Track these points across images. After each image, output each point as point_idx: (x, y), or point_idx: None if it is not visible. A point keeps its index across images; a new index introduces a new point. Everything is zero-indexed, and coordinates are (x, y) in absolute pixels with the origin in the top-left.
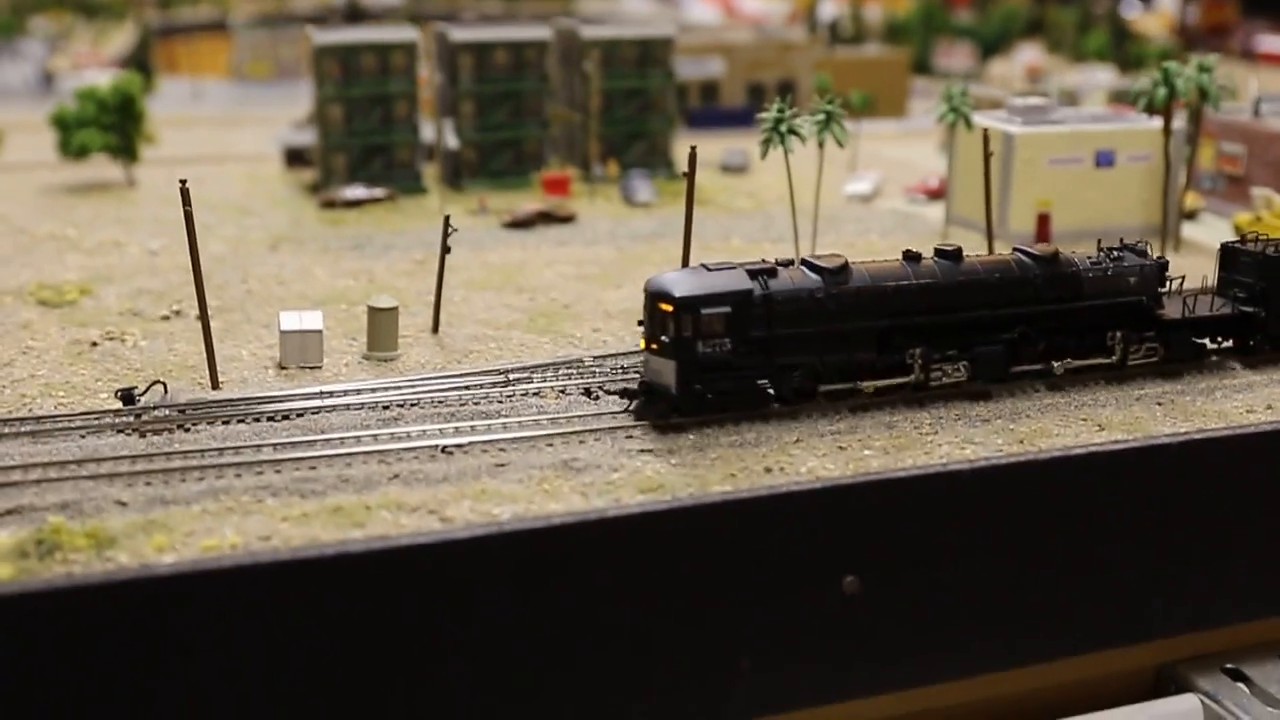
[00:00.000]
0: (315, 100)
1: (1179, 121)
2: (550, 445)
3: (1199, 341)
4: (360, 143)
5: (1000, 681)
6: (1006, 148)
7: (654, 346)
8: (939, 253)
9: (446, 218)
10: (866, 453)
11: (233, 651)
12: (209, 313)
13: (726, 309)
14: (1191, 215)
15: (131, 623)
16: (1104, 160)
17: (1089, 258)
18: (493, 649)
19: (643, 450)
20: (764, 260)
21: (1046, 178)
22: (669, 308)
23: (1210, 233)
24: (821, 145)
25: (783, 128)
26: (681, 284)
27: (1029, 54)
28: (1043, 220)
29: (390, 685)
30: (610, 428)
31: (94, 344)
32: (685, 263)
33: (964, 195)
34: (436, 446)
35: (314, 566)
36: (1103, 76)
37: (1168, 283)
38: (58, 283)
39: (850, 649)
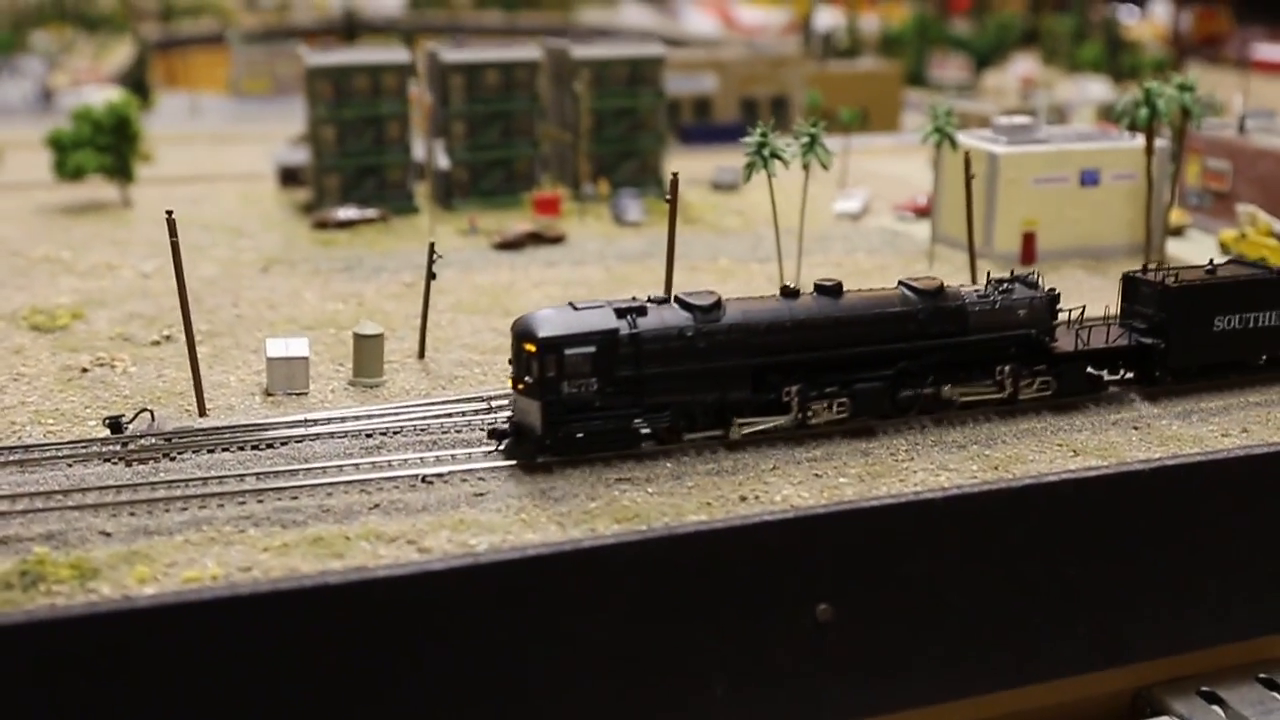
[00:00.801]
0: (308, 121)
1: (1163, 140)
2: (529, 474)
3: (1095, 374)
4: (353, 163)
5: (977, 706)
6: (991, 168)
7: (520, 387)
8: (818, 288)
9: (431, 245)
10: (842, 480)
11: (212, 683)
12: (198, 338)
13: (591, 349)
14: (1178, 232)
15: (113, 655)
16: (1089, 179)
17: (976, 290)
18: (470, 678)
19: (620, 479)
20: (634, 298)
21: (1031, 197)
22: (533, 348)
23: (1197, 249)
24: (806, 167)
25: (766, 151)
26: (546, 324)
27: (1024, 65)
28: (1028, 240)
29: (368, 716)
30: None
31: (84, 370)
32: (668, 288)
33: (950, 214)
34: (417, 476)
35: (293, 599)
36: (1095, 89)
37: (1059, 315)
38: (50, 307)
39: (824, 675)
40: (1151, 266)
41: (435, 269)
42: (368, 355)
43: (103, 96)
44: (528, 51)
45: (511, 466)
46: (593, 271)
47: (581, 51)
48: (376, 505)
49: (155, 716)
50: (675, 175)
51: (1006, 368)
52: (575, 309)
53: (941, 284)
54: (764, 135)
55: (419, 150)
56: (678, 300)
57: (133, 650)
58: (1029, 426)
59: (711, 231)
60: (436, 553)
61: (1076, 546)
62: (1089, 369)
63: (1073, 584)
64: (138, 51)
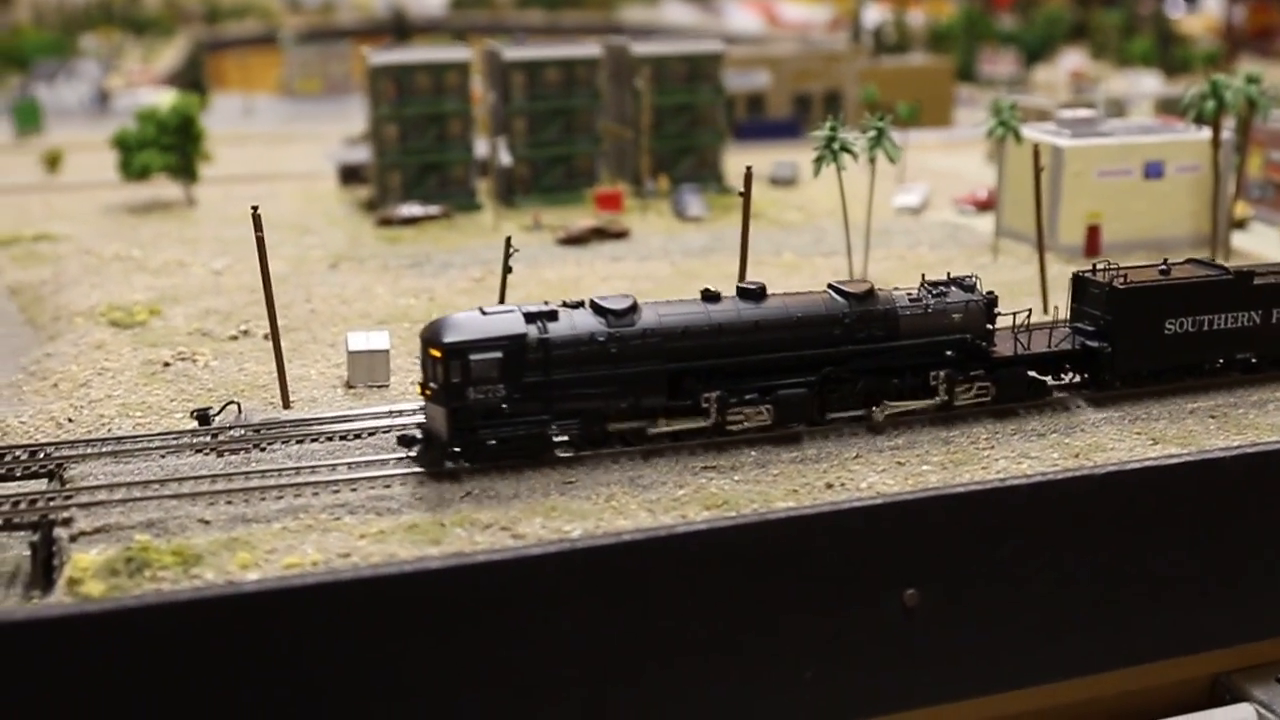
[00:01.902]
0: (371, 119)
1: (1227, 131)
2: (616, 463)
3: (1039, 379)
4: (415, 161)
5: (1057, 692)
6: (1056, 161)
7: (427, 393)
8: (740, 291)
9: (508, 239)
10: (925, 468)
11: (315, 666)
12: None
13: (498, 354)
14: (1241, 224)
15: (220, 638)
16: (1153, 172)
17: (909, 294)
18: (563, 662)
19: (705, 467)
20: (546, 302)
21: (1096, 190)
22: (438, 353)
23: (1261, 242)
24: (873, 161)
25: (835, 145)
26: (452, 329)
27: (1073, 59)
28: (1092, 232)
29: (469, 699)
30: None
31: (166, 364)
32: (741, 278)
33: (1013, 208)
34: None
35: (394, 584)
36: (1149, 83)
37: (997, 318)
38: (127, 303)
39: (911, 660)
40: (1101, 265)
41: (510, 263)
42: None
43: (158, 98)
44: (588, 49)
45: (567, 447)
46: (658, 266)
47: (641, 48)
48: (468, 493)
49: (259, 698)
50: (749, 170)
51: (942, 373)
52: (484, 313)
53: (871, 287)
54: (834, 129)
55: (480, 147)
56: (592, 304)
57: (239, 634)
58: (1106, 415)
59: (774, 226)
60: (531, 539)
61: (1157, 533)
62: (1034, 374)
63: (1153, 570)
64: (192, 53)
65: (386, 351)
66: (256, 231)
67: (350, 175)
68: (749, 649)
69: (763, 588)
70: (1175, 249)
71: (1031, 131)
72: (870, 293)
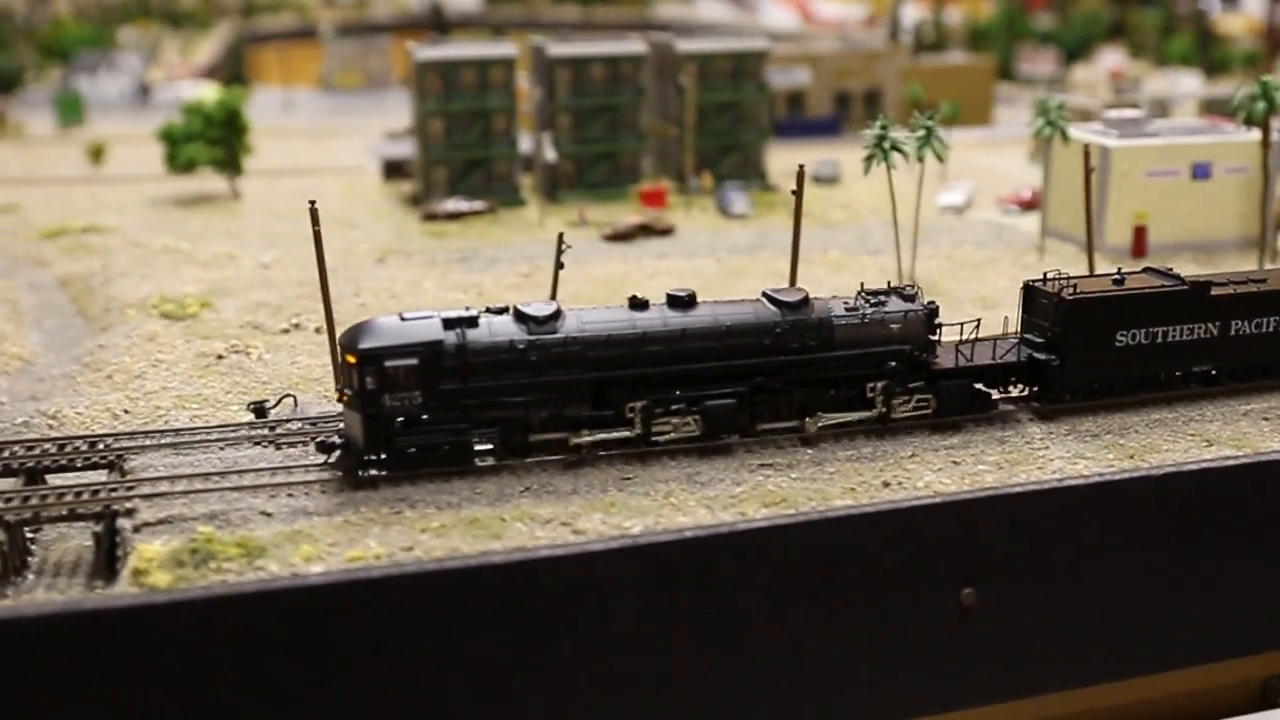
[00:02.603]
0: (416, 114)
1: (1277, 133)
2: (673, 460)
3: (983, 391)
4: (460, 156)
5: (1110, 693)
6: (1103, 161)
7: (344, 399)
8: (669, 299)
9: (560, 235)
10: (980, 467)
11: (381, 658)
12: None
13: (413, 361)
14: None
15: (285, 631)
16: (1200, 173)
17: (845, 303)
18: (622, 659)
19: (763, 465)
20: (468, 308)
21: (1143, 190)
22: (353, 359)
23: None
24: (921, 160)
25: (886, 144)
26: (368, 335)
27: (1112, 59)
28: (1139, 233)
29: (529, 693)
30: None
31: (220, 356)
32: (793, 279)
33: (1060, 208)
34: (562, 461)
35: (458, 577)
36: (1189, 83)
37: (939, 328)
38: (178, 295)
39: (966, 660)
40: (1051, 274)
41: (563, 260)
42: None
43: (198, 92)
44: (633, 45)
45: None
46: (705, 263)
47: (686, 45)
48: (527, 488)
49: (322, 690)
50: (801, 168)
51: (879, 385)
52: (403, 319)
53: (805, 296)
54: (884, 128)
55: (525, 143)
56: (514, 310)
57: (304, 626)
58: (1160, 417)
59: (819, 224)
60: (592, 534)
61: (1212, 534)
62: (980, 386)
63: (1208, 572)
64: (233, 46)
65: None
66: (314, 226)
67: (394, 170)
68: (806, 647)
69: (820, 586)
70: (1222, 250)
71: (1079, 131)
72: (804, 301)
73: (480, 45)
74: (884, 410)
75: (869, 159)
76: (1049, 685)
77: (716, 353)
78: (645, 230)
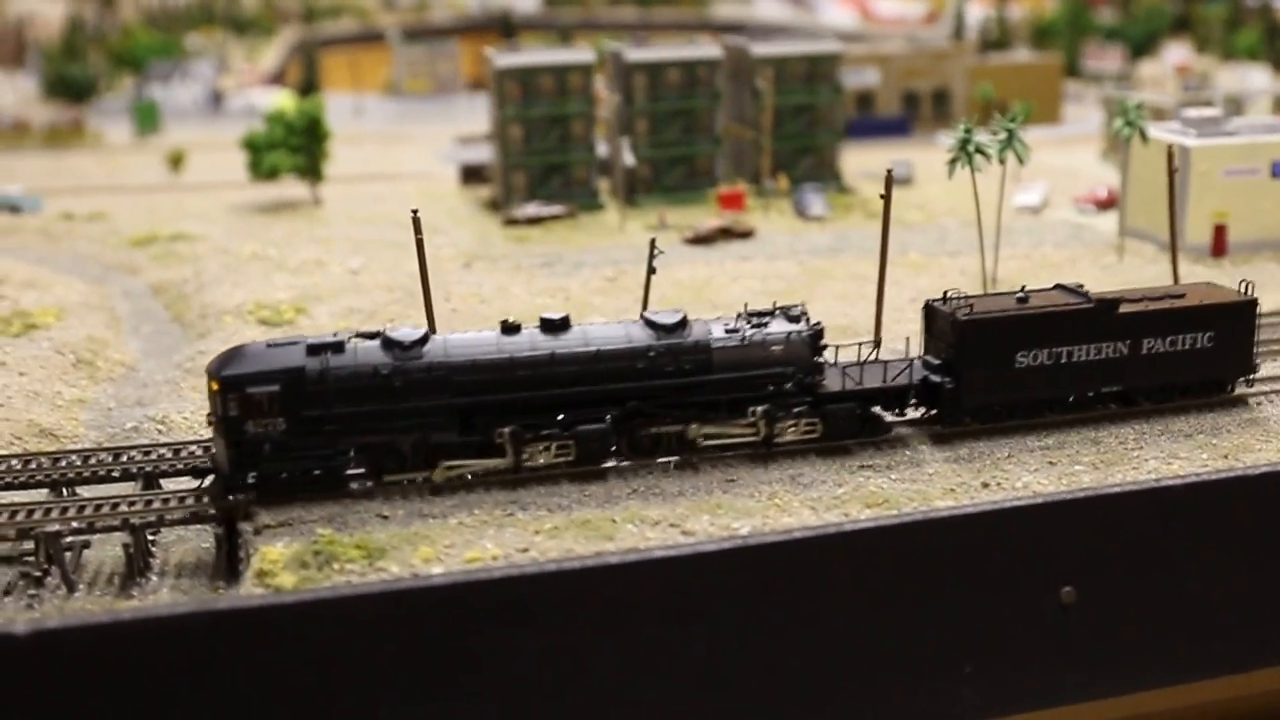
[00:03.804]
0: (495, 120)
1: None
2: (775, 462)
3: (876, 414)
4: (539, 161)
5: (1206, 690)
6: (1182, 160)
7: (211, 425)
8: (543, 323)
9: (653, 241)
10: (1077, 467)
11: (500, 656)
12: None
13: (275, 387)
14: None
15: (408, 630)
16: None
17: (726, 324)
18: (730, 657)
19: (863, 466)
20: (335, 334)
21: (1222, 189)
22: (216, 386)
23: None
24: (1003, 162)
25: (970, 148)
26: (231, 362)
27: (1177, 53)
28: (1219, 231)
29: (646, 687)
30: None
31: None
32: (881, 284)
33: (1138, 207)
34: (668, 463)
35: (576, 578)
36: (1259, 78)
37: (824, 351)
38: (273, 302)
39: (1065, 657)
40: (951, 294)
41: (655, 264)
42: None
43: (270, 99)
44: (709, 50)
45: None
46: (786, 266)
47: (761, 49)
48: (635, 490)
49: (444, 687)
50: (890, 173)
51: (760, 409)
52: (269, 346)
53: (683, 318)
54: (968, 131)
55: (601, 147)
56: (382, 336)
57: (426, 625)
58: (1251, 416)
59: (896, 225)
60: (701, 535)
61: None
62: (876, 408)
63: None
64: (304, 53)
65: None
66: (416, 234)
67: (471, 175)
68: (911, 643)
69: (924, 584)
70: None
71: (1158, 131)
72: (681, 324)
73: (557, 51)
74: (766, 433)
75: (953, 162)
76: (1145, 682)
77: (588, 377)
78: (726, 233)
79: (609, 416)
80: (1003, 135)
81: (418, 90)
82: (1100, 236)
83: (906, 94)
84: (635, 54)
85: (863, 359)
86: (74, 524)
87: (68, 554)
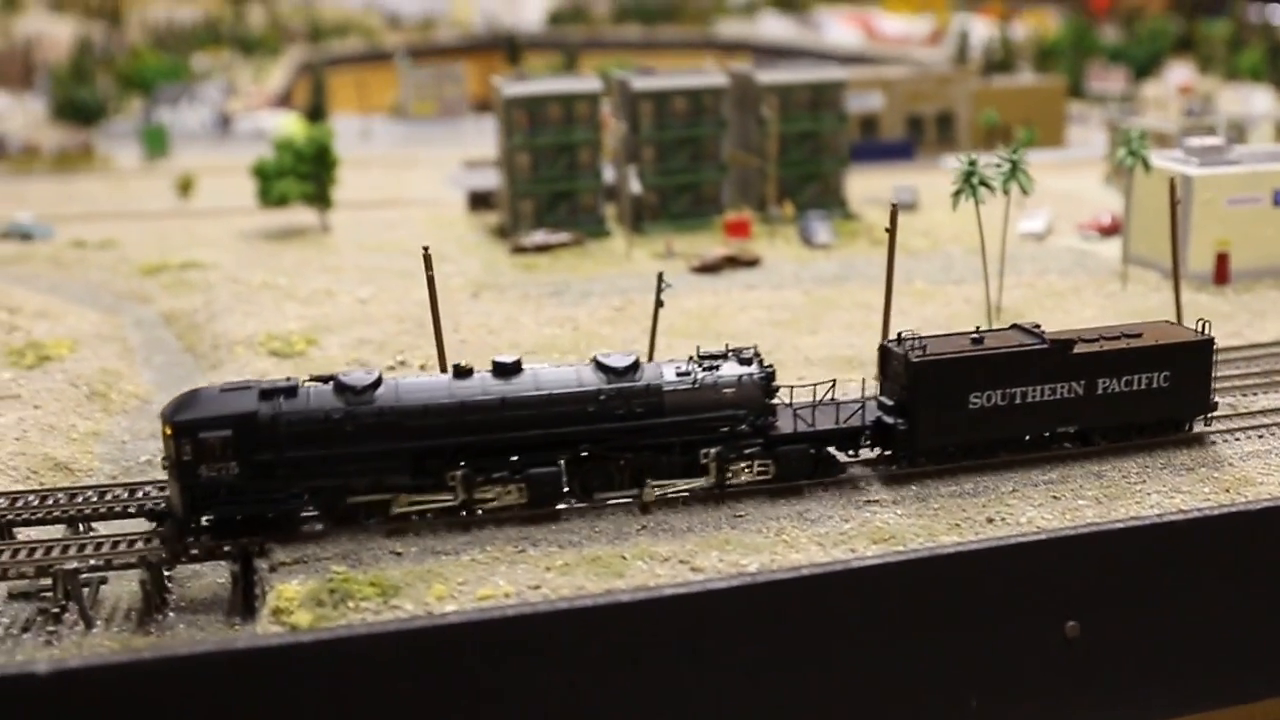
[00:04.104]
0: (503, 148)
1: None
2: (782, 497)
3: (829, 455)
4: (546, 189)
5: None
6: (1185, 189)
7: (166, 468)
8: (495, 367)
9: (660, 274)
10: (1080, 502)
11: (516, 694)
12: (429, 364)
13: (227, 432)
14: None
15: (424, 668)
16: None
17: (678, 367)
18: (741, 694)
19: (869, 501)
20: (289, 379)
21: (1225, 217)
22: (169, 431)
23: None
24: (1007, 193)
25: (974, 179)
26: (184, 407)
27: (1180, 74)
28: (1221, 260)
29: None
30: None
31: None
32: (886, 315)
33: (1141, 234)
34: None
35: (588, 615)
36: (1261, 101)
37: (776, 393)
38: (284, 333)
39: (1070, 689)
40: (906, 334)
41: (663, 297)
42: None
43: (277, 122)
44: (714, 78)
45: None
46: (792, 295)
47: (767, 77)
48: (644, 527)
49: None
50: (895, 208)
51: (712, 451)
52: (223, 390)
53: (635, 361)
54: (973, 163)
55: (608, 175)
56: (334, 380)
57: (440, 663)
58: (1253, 449)
59: (901, 253)
60: (710, 572)
61: None
62: (831, 449)
63: None
64: (313, 76)
65: None
66: (428, 271)
67: (479, 201)
68: (918, 676)
69: (930, 618)
70: None
71: (1161, 161)
72: (633, 367)
73: (564, 80)
74: (719, 476)
75: (957, 194)
76: (1149, 714)
77: (538, 420)
78: (732, 262)
79: (561, 460)
80: (1006, 166)
81: (424, 113)
82: (1104, 264)
83: (911, 118)
84: (641, 82)
85: (818, 400)
86: (91, 561)
87: (85, 590)
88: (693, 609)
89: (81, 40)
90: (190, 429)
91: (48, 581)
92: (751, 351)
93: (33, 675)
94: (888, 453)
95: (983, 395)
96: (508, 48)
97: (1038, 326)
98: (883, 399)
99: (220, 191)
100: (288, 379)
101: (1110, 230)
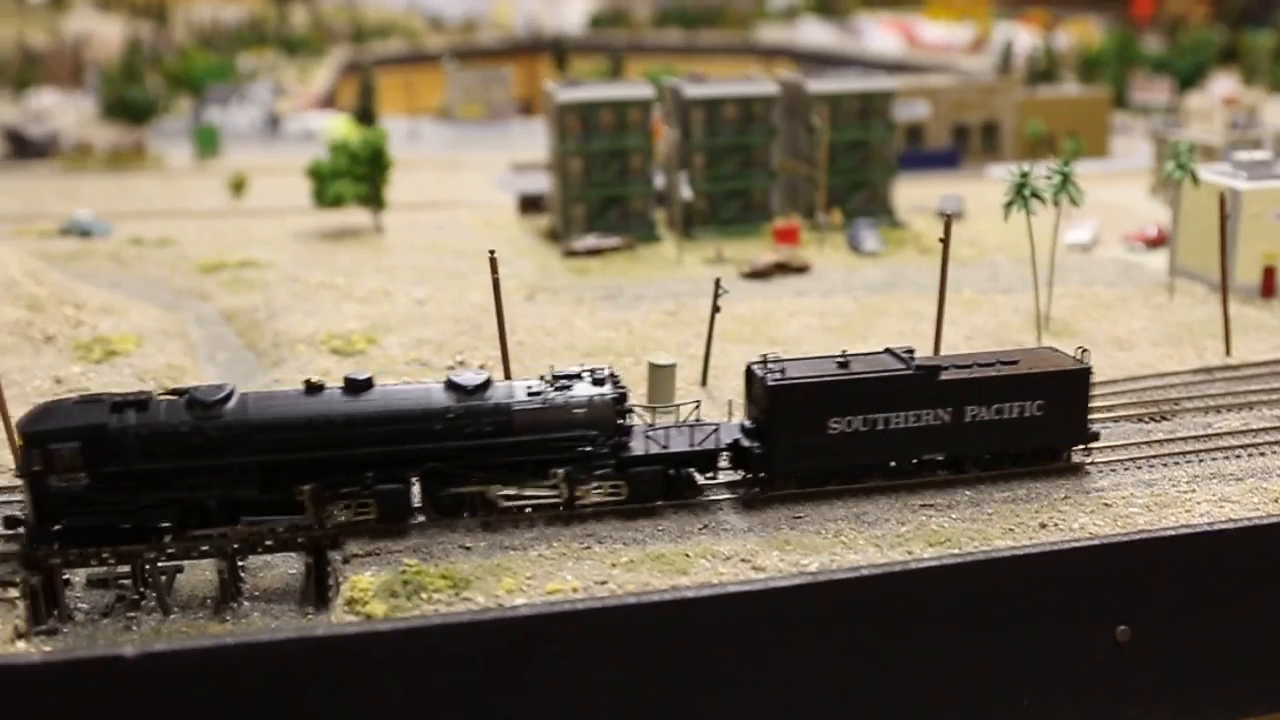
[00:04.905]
0: (555, 153)
1: None
2: (840, 500)
3: (685, 476)
4: (598, 194)
5: None
6: (1233, 203)
7: (20, 478)
8: (346, 383)
9: (717, 280)
10: (1131, 510)
11: (581, 687)
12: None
13: (76, 444)
14: None
15: (493, 660)
16: None
17: (529, 388)
18: (799, 692)
19: (924, 505)
20: (142, 392)
21: (1272, 231)
22: (20, 441)
23: None
24: (1057, 204)
25: (1026, 191)
26: (38, 418)
27: (1225, 85)
28: (1268, 273)
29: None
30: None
31: None
32: (939, 325)
33: (1189, 247)
34: (738, 498)
35: (654, 610)
36: None
37: (628, 415)
38: (344, 332)
39: (1122, 693)
40: (770, 356)
41: (718, 303)
42: (662, 383)
43: (326, 123)
44: (765, 86)
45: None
46: (842, 302)
47: (817, 85)
48: (705, 526)
49: (528, 716)
50: (948, 219)
51: (562, 470)
52: (77, 402)
53: (486, 380)
54: (1025, 175)
55: (659, 180)
56: (187, 395)
57: (511, 656)
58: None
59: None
60: (771, 571)
61: None
62: (691, 470)
63: None
64: (363, 78)
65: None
66: (493, 274)
67: (529, 205)
68: (971, 676)
69: (984, 620)
70: None
71: (1209, 175)
72: (484, 386)
73: (617, 86)
74: (569, 496)
75: (1009, 205)
76: (1198, 718)
77: (386, 438)
78: (782, 268)
79: (411, 477)
80: (1056, 179)
81: (471, 115)
82: (1150, 275)
83: (956, 126)
84: (693, 90)
85: (684, 420)
86: (170, 550)
87: (162, 578)
88: (756, 606)
89: (131, 40)
90: (40, 440)
91: (126, 569)
92: (605, 372)
93: (121, 658)
94: (748, 476)
95: (843, 420)
96: (555, 52)
97: (911, 351)
98: (745, 422)
99: (272, 191)
100: (140, 392)
101: (1157, 242)
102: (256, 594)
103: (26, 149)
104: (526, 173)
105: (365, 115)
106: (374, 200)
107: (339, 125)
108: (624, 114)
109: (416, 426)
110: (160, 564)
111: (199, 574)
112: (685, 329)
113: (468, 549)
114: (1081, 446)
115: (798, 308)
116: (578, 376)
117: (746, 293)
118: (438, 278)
